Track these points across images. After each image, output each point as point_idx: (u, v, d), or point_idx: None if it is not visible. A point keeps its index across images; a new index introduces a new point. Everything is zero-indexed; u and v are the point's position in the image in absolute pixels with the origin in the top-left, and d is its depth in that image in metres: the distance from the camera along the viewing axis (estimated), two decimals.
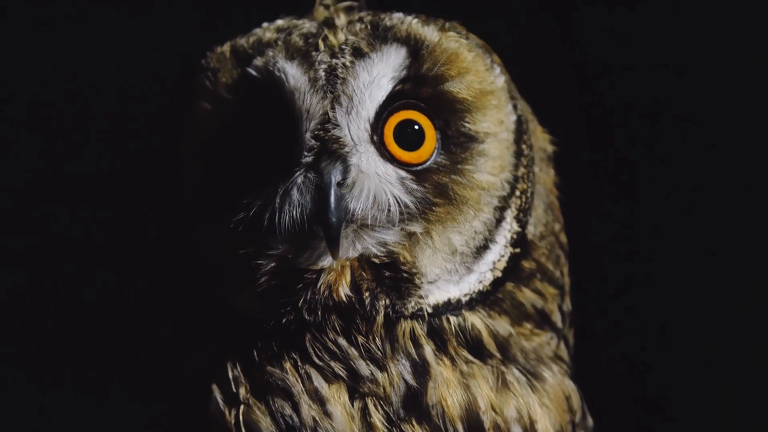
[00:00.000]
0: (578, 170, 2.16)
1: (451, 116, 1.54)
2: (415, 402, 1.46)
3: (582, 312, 1.75)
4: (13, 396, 2.30)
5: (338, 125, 1.47)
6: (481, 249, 1.55)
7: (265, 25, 1.60)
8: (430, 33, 1.54)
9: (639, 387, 2.48)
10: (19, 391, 2.31)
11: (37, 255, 2.33)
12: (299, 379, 1.46)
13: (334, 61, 1.50)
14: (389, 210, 1.48)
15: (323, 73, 1.49)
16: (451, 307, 1.52)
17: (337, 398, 1.45)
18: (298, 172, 1.46)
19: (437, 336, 1.51)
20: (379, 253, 1.48)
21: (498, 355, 1.53)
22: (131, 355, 1.88)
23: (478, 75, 1.56)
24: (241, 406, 1.45)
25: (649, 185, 2.47)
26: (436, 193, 1.52)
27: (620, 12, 2.44)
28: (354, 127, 1.48)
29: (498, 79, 1.59)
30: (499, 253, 1.57)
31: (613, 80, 2.48)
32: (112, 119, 2.33)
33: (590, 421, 1.61)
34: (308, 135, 1.47)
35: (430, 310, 1.51)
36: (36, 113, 2.37)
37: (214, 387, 1.47)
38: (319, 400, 1.45)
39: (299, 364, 1.46)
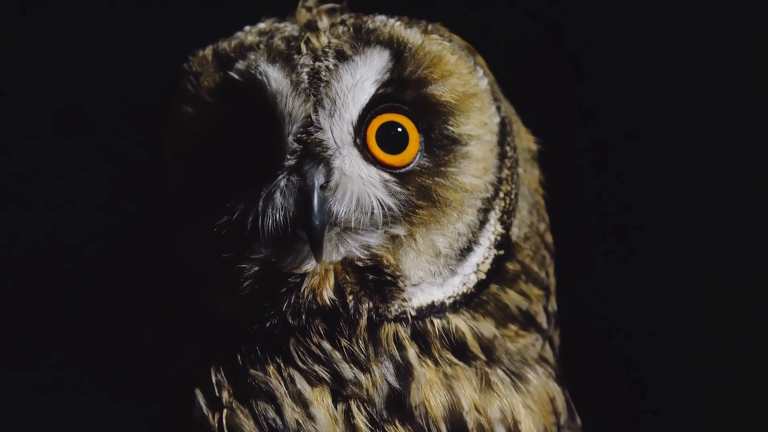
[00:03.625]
0: (569, 168, 2.17)
1: (434, 119, 1.54)
2: (399, 403, 1.47)
3: (573, 311, 1.75)
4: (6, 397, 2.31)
5: (321, 128, 1.47)
6: (465, 251, 1.55)
7: (247, 28, 1.60)
8: (413, 36, 1.54)
9: (630, 385, 2.48)
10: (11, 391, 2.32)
11: (27, 255, 2.33)
12: (282, 382, 1.46)
13: (317, 64, 1.50)
14: (372, 213, 1.48)
15: (306, 76, 1.49)
16: (435, 309, 1.52)
17: (321, 401, 1.46)
18: (281, 176, 1.46)
19: (421, 338, 1.51)
20: (362, 257, 1.48)
21: (482, 356, 1.53)
22: (117, 358, 1.89)
23: (462, 78, 1.55)
24: (224, 410, 1.46)
25: (643, 183, 2.47)
26: (419, 195, 1.52)
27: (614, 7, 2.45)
28: (337, 130, 1.48)
29: (481, 81, 1.59)
30: (482, 255, 1.56)
31: (608, 77, 2.48)
32: (103, 120, 2.33)
33: (578, 421, 1.62)
34: (291, 138, 1.47)
35: (413, 313, 1.51)
36: (31, 112, 2.37)
37: (197, 391, 1.47)
38: (302, 402, 1.45)
39: (283, 367, 1.46)
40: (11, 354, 2.31)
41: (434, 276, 1.53)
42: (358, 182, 1.48)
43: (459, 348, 1.52)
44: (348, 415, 1.46)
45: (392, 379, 1.47)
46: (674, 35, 2.40)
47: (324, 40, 1.53)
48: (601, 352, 2.44)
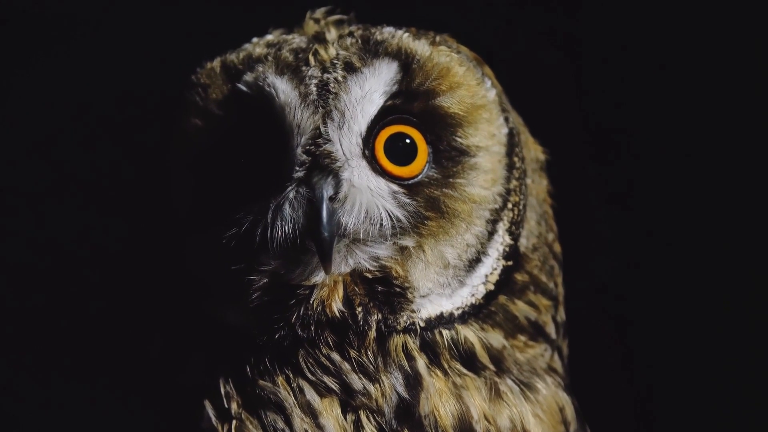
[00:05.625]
0: (577, 175, 2.16)
1: (442, 131, 1.54)
2: (408, 413, 1.47)
3: (582, 320, 1.75)
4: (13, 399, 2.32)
5: (330, 140, 1.47)
6: (474, 262, 1.55)
7: (255, 40, 1.60)
8: (421, 47, 1.54)
9: (638, 397, 2.48)
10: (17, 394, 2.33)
11: (33, 263, 2.34)
12: (291, 393, 1.46)
13: (326, 75, 1.50)
14: (381, 224, 1.48)
15: (314, 88, 1.49)
16: (444, 320, 1.52)
17: (330, 411, 1.46)
18: (290, 187, 1.46)
19: (430, 349, 1.51)
20: (371, 268, 1.48)
21: (492, 367, 1.53)
22: (125, 369, 1.89)
23: (470, 89, 1.55)
24: (233, 421, 1.46)
25: (650, 192, 2.47)
26: (428, 206, 1.52)
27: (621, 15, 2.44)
28: (346, 142, 1.48)
29: (489, 92, 1.59)
30: (491, 266, 1.56)
31: (613, 87, 2.48)
32: (107, 125, 2.33)
33: (588, 430, 1.61)
34: (299, 150, 1.47)
35: (422, 324, 1.51)
36: (30, 115, 2.37)
37: (206, 402, 1.47)
38: (311, 413, 1.45)
39: (292, 378, 1.47)
40: (18, 363, 2.32)
41: (443, 287, 1.53)
42: (366, 194, 1.48)
43: (468, 358, 1.52)
44: (357, 425, 1.46)
45: (401, 390, 1.47)
46: (681, 44, 2.39)
47: (332, 51, 1.53)
48: (608, 362, 2.44)
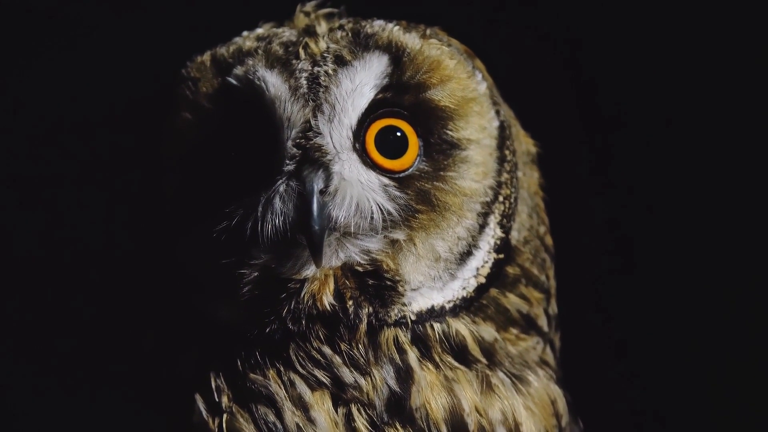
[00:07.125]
0: (570, 170, 2.16)
1: (433, 124, 1.53)
2: (399, 406, 1.47)
3: (575, 314, 1.75)
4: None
5: (320, 133, 1.47)
6: (465, 255, 1.55)
7: (245, 33, 1.60)
8: (411, 40, 1.54)
9: (631, 391, 2.48)
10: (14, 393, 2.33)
11: (27, 260, 2.34)
12: (282, 386, 1.46)
13: (316, 69, 1.50)
14: (372, 217, 1.48)
15: (304, 81, 1.49)
16: (435, 313, 1.52)
17: (321, 404, 1.46)
18: (280, 181, 1.46)
19: (421, 342, 1.51)
20: (362, 261, 1.48)
21: (483, 360, 1.53)
22: (117, 363, 1.89)
23: (460, 82, 1.55)
24: (224, 415, 1.46)
25: (644, 185, 2.47)
26: (418, 199, 1.52)
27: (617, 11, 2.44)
28: (336, 135, 1.48)
29: (480, 85, 1.59)
30: (482, 259, 1.56)
31: (610, 79, 2.48)
32: (102, 126, 2.33)
33: (580, 424, 1.62)
34: (290, 143, 1.47)
35: (413, 317, 1.51)
36: (29, 117, 2.38)
37: (197, 396, 1.47)
38: (302, 406, 1.46)
39: (283, 371, 1.47)
40: (12, 356, 2.32)
41: (434, 280, 1.53)
42: (357, 187, 1.48)
43: (460, 352, 1.52)
44: (348, 418, 1.46)
45: (393, 383, 1.48)
46: (674, 37, 2.39)
47: (322, 45, 1.52)
48: (602, 355, 2.44)
